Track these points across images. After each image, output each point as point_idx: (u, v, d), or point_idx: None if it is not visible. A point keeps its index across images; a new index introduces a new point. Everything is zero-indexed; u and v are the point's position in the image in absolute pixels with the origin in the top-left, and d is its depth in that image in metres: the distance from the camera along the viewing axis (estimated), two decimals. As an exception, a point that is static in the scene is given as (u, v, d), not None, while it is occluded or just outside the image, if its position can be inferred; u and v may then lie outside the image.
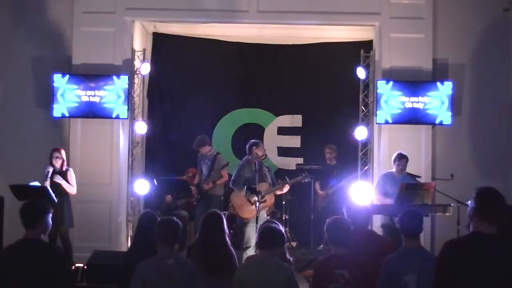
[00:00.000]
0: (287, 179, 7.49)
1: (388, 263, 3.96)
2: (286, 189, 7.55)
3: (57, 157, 7.18)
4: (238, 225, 7.80)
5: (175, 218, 4.31)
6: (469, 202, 3.16)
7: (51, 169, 7.12)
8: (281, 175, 8.16)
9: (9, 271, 3.80)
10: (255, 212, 7.08)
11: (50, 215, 4.02)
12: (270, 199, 7.48)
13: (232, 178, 7.60)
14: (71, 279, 3.90)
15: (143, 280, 4.00)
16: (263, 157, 7.58)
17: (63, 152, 7.34)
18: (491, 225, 3.03)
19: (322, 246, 8.26)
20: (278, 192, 7.61)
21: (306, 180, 7.73)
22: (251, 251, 7.10)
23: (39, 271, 3.77)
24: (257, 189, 7.13)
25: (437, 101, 7.92)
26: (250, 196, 7.23)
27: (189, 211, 8.62)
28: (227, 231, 5.04)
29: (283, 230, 4.65)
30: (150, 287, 3.99)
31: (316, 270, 4.27)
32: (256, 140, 7.66)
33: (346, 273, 4.00)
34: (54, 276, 3.80)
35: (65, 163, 7.31)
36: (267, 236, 4.20)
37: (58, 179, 7.09)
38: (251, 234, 7.22)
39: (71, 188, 7.21)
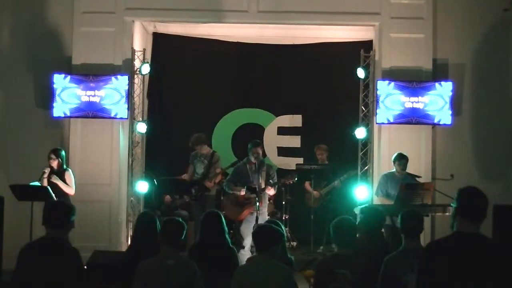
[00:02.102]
0: (270, 182, 7.48)
1: (388, 263, 3.96)
2: (269, 191, 7.51)
3: (51, 158, 7.18)
4: (238, 225, 7.84)
5: (180, 219, 4.36)
6: (453, 202, 3.16)
7: (47, 170, 7.12)
8: (280, 175, 8.16)
9: (30, 268, 3.84)
10: (241, 213, 7.30)
11: (74, 216, 4.07)
12: (254, 201, 7.42)
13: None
14: (87, 281, 3.96)
15: (144, 279, 4.01)
16: (257, 159, 7.59)
17: (62, 152, 7.33)
18: (473, 225, 3.03)
19: (322, 247, 8.27)
20: (270, 194, 7.66)
21: (292, 182, 7.75)
22: (246, 251, 7.17)
23: (58, 271, 3.80)
24: (257, 189, 7.18)
25: (437, 101, 7.92)
26: (237, 198, 7.44)
27: (189, 211, 8.62)
28: (226, 230, 5.04)
29: (281, 229, 4.64)
30: (151, 287, 4.00)
31: (317, 270, 4.28)
32: (255, 142, 7.66)
33: (348, 273, 4.00)
34: (71, 278, 3.83)
35: (64, 164, 7.30)
36: (260, 237, 4.20)
37: (55, 179, 7.10)
38: (245, 234, 7.31)
39: (68, 188, 7.19)
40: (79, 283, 3.89)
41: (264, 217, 7.36)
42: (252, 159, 7.53)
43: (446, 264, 2.93)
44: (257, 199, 7.19)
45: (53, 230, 3.95)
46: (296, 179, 7.98)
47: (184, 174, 8.62)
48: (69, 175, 7.26)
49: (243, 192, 7.44)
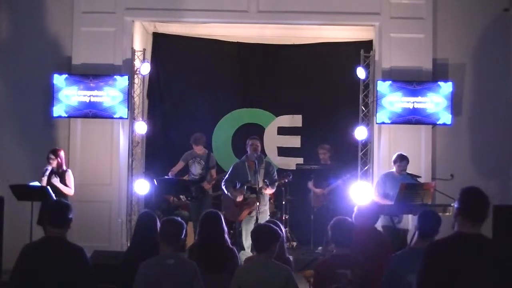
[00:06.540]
0: (266, 182, 7.43)
1: (393, 262, 3.94)
2: (266, 191, 7.46)
3: (50, 158, 7.18)
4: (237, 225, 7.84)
5: (179, 218, 4.34)
6: (455, 202, 3.16)
7: (49, 168, 7.13)
8: (277, 175, 8.17)
9: (34, 268, 3.80)
10: (240, 214, 7.24)
11: (72, 213, 4.03)
12: (253, 202, 7.40)
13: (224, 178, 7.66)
14: (95, 281, 3.94)
15: (145, 279, 4.01)
16: (255, 152, 7.52)
17: (61, 152, 7.33)
18: (475, 225, 3.02)
19: (321, 247, 8.27)
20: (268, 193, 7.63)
21: (287, 180, 7.74)
22: (247, 252, 7.14)
23: (63, 271, 3.77)
24: (257, 189, 7.15)
25: (437, 101, 7.92)
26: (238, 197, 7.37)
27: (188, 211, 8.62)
28: (226, 230, 5.04)
29: (280, 228, 4.63)
30: (151, 287, 4.00)
31: (317, 270, 4.27)
32: (252, 136, 7.62)
33: (349, 273, 3.99)
34: (78, 277, 3.80)
35: (63, 164, 7.30)
36: (258, 237, 4.20)
37: (55, 181, 7.10)
38: (245, 235, 7.29)
39: (68, 190, 7.20)
40: (89, 282, 3.88)
41: (265, 216, 7.32)
42: (249, 152, 7.46)
43: (447, 265, 2.93)
44: (257, 199, 7.16)
45: (57, 230, 3.91)
46: (291, 177, 7.94)
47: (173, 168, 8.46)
48: (69, 176, 7.27)
49: (240, 198, 7.39)
